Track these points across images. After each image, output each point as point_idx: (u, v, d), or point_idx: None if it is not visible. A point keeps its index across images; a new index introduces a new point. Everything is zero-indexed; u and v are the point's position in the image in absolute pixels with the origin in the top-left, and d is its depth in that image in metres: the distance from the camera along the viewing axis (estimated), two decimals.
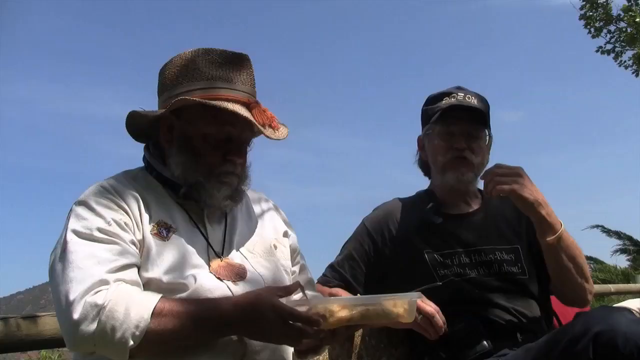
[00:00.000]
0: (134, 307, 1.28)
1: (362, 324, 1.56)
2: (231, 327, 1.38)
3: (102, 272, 1.33)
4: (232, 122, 1.55)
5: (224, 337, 1.41)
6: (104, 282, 1.31)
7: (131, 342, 1.26)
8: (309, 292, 1.68)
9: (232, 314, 1.36)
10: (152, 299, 1.33)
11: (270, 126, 1.56)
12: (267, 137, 1.55)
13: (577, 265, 1.99)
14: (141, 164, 1.69)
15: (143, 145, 1.71)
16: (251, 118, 1.52)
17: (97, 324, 1.26)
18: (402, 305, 1.46)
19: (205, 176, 1.55)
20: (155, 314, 1.30)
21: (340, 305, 1.42)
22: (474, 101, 2.17)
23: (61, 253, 1.38)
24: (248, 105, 1.56)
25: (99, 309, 1.26)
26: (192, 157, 1.56)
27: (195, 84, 1.56)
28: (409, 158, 2.39)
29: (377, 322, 1.51)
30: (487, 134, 2.20)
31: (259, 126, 1.53)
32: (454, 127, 2.14)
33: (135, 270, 1.41)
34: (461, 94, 2.18)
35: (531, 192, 1.90)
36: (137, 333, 1.27)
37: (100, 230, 1.41)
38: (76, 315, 1.27)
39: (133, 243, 1.45)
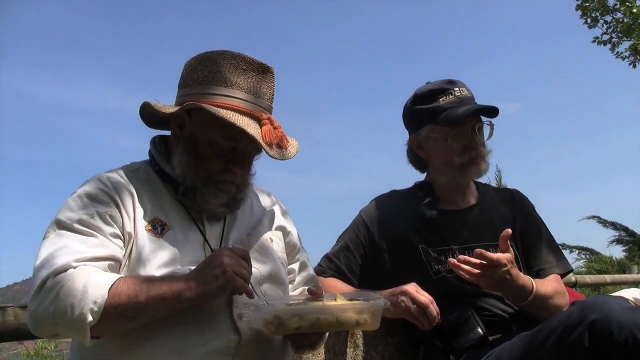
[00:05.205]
0: (92, 285, 1.30)
1: (315, 332, 1.54)
2: (186, 283, 1.37)
3: (70, 260, 1.34)
4: (238, 137, 1.54)
5: (176, 296, 1.35)
6: (67, 268, 1.32)
7: (90, 318, 1.28)
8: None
9: (187, 274, 1.41)
10: (110, 277, 1.35)
11: (278, 145, 1.55)
12: (271, 157, 1.54)
13: (549, 311, 1.96)
14: (139, 156, 1.69)
15: (143, 137, 1.71)
16: (257, 137, 1.50)
17: (56, 302, 1.27)
18: (364, 313, 1.46)
19: (203, 182, 1.56)
20: (112, 290, 1.31)
21: (290, 314, 1.41)
22: (467, 91, 2.17)
23: (41, 242, 1.41)
24: (260, 121, 1.56)
25: (58, 289, 1.28)
26: (194, 159, 1.56)
27: (212, 88, 1.55)
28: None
29: (334, 330, 1.49)
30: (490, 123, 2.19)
31: (265, 145, 1.51)
32: (465, 127, 2.12)
33: (108, 263, 1.41)
34: (456, 88, 2.15)
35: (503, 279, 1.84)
36: (95, 309, 1.28)
37: (81, 222, 1.42)
38: (37, 298, 1.30)
39: (117, 237, 1.45)
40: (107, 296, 1.29)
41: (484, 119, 2.18)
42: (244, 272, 1.40)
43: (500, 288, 1.89)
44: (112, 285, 1.32)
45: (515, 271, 1.87)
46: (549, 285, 2.01)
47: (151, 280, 1.38)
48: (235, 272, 1.37)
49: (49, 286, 1.30)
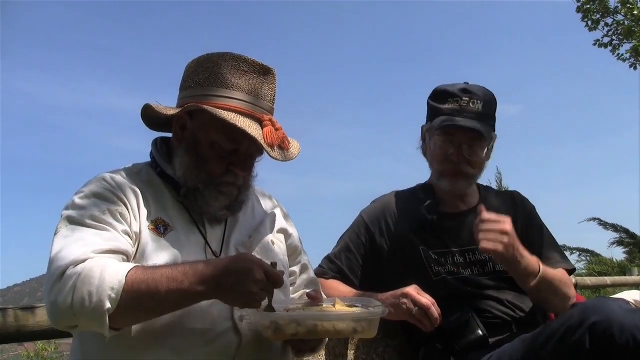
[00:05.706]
0: (109, 272, 1.29)
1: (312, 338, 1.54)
2: (213, 281, 1.32)
3: (88, 251, 1.34)
4: (239, 139, 1.54)
5: (197, 295, 1.34)
6: (85, 258, 1.32)
7: (108, 305, 1.26)
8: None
9: (208, 266, 1.34)
10: (127, 265, 1.34)
11: (280, 146, 1.55)
12: (273, 158, 1.54)
13: (558, 297, 2.00)
14: (140, 157, 1.69)
15: (144, 137, 1.71)
16: (259, 138, 1.51)
17: (74, 292, 1.27)
18: (362, 321, 1.45)
19: (205, 184, 1.56)
20: (129, 276, 1.30)
21: (288, 320, 1.41)
22: (479, 106, 2.10)
23: (53, 239, 1.41)
24: (261, 122, 1.56)
25: (75, 278, 1.28)
26: (196, 161, 1.56)
27: (214, 90, 1.56)
28: (406, 151, 2.38)
29: (331, 337, 1.49)
30: (491, 137, 2.14)
31: (266, 147, 1.51)
32: (453, 137, 2.10)
33: (122, 257, 1.41)
34: (466, 99, 2.10)
35: (512, 248, 1.87)
36: (113, 295, 1.27)
37: (93, 217, 1.43)
38: (56, 289, 1.29)
39: (126, 233, 1.46)
40: (124, 282, 1.28)
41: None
42: (264, 296, 1.36)
43: (507, 258, 1.88)
44: (128, 272, 1.30)
45: (519, 245, 1.89)
46: (555, 271, 2.02)
47: (170, 273, 1.33)
48: (256, 299, 1.34)
49: (69, 275, 1.29)
